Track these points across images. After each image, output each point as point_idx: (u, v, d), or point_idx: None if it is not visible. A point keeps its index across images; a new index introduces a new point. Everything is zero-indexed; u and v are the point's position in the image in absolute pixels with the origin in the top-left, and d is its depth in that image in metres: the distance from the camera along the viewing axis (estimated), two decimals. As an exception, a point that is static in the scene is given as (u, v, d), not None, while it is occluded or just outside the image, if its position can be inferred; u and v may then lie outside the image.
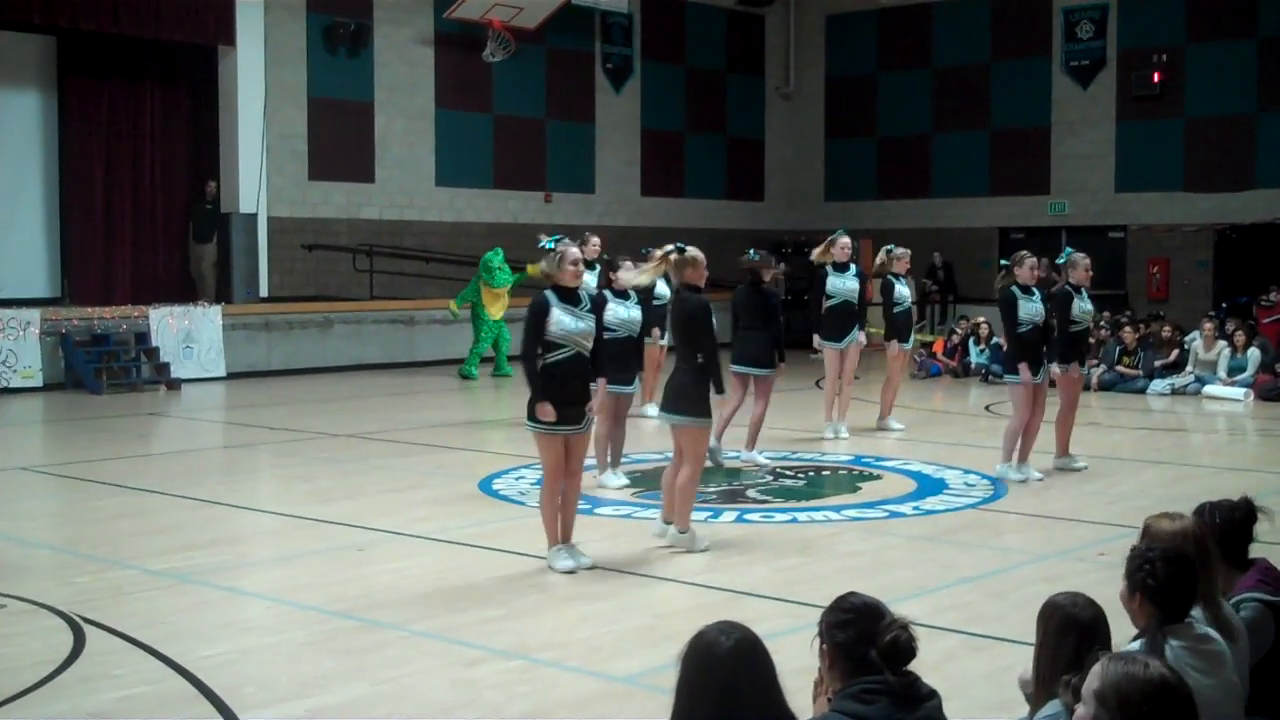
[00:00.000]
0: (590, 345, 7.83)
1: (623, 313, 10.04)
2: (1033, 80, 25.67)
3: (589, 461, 9.04)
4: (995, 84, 26.26)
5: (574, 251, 7.87)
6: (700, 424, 8.37)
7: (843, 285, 13.23)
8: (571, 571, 7.74)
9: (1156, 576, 3.94)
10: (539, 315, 7.71)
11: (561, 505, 7.89)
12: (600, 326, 8.00)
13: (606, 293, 9.88)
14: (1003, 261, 11.32)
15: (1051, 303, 11.08)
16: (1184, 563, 3.98)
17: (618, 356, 9.69)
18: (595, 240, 13.64)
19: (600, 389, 8.03)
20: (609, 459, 10.55)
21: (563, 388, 7.71)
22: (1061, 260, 11.46)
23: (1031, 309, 10.83)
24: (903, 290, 14.18)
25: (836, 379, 13.31)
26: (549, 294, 7.79)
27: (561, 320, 7.70)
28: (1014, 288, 10.85)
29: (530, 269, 14.63)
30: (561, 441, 7.78)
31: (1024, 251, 11.12)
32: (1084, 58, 25.14)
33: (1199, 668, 3.82)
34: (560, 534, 7.92)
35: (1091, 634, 3.76)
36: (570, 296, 7.81)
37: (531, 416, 7.77)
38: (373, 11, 22.43)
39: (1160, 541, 4.23)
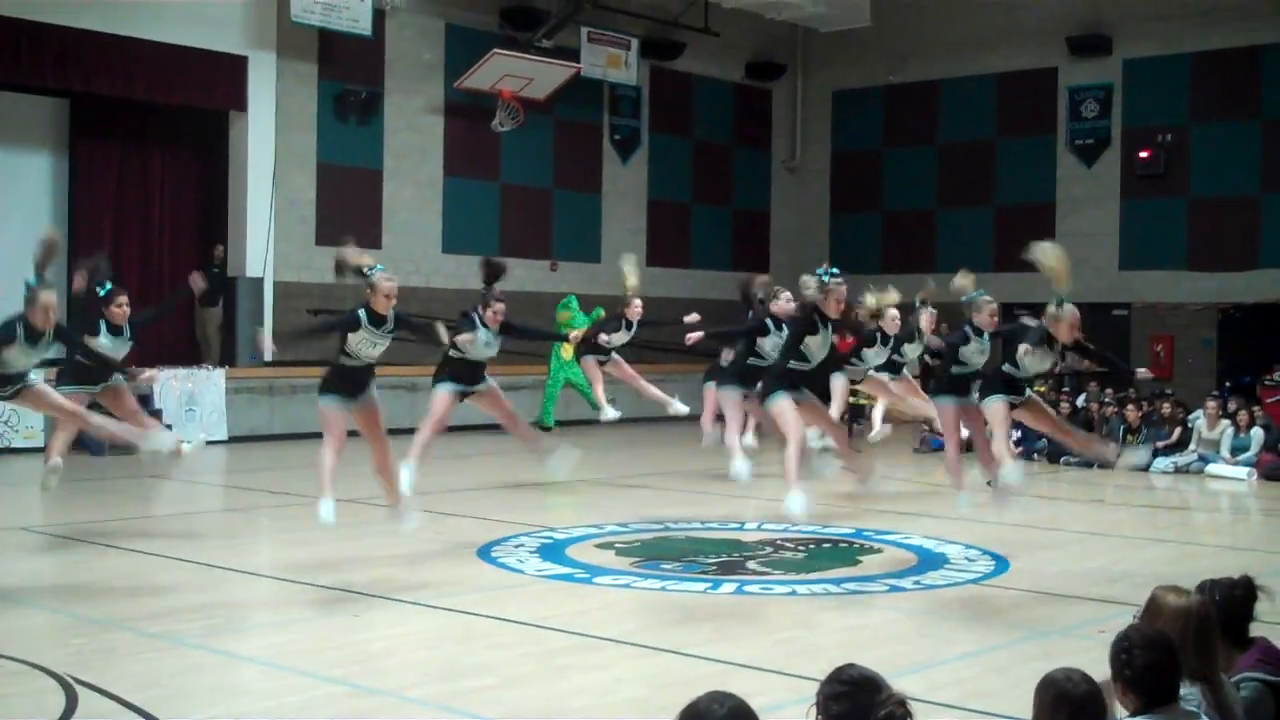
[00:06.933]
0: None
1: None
2: (1037, 158, 25.83)
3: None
4: (1000, 161, 26.44)
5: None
6: None
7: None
8: None
9: (1133, 666, 3.93)
10: (806, 331, 10.41)
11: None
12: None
13: (768, 321, 12.30)
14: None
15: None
16: (1162, 649, 3.95)
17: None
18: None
19: None
20: None
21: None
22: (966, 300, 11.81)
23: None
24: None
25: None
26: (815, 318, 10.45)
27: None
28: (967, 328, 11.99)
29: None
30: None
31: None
32: (1089, 136, 25.31)
33: None
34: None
35: (1083, 711, 3.72)
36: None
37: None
38: (384, 80, 22.65)
39: (1162, 615, 4.20)
